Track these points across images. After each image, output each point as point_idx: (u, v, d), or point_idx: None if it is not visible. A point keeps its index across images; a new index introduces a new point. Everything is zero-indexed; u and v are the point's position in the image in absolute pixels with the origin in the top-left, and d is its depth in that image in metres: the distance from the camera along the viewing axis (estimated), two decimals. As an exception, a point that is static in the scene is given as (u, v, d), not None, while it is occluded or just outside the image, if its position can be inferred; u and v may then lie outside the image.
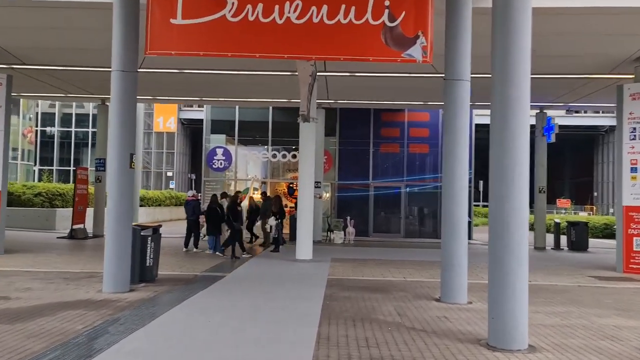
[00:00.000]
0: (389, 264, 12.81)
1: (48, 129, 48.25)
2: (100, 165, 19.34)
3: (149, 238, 9.23)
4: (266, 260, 13.16)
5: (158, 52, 8.31)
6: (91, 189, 20.72)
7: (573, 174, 53.65)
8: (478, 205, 45.04)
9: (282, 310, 7.31)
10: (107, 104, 19.46)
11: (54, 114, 48.17)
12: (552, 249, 18.11)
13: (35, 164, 41.90)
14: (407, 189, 22.40)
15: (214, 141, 23.69)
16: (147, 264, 9.20)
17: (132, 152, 8.44)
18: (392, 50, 8.15)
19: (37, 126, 47.54)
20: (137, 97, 17.89)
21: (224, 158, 22.88)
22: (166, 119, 46.09)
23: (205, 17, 8.15)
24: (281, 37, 8.14)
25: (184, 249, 14.75)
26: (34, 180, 34.00)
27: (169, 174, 46.71)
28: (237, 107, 23.17)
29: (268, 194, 19.01)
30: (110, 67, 13.82)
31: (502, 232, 5.47)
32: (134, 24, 8.40)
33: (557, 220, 18.73)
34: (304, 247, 12.74)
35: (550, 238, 18.74)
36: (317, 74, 13.23)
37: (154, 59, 12.78)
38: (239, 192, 15.86)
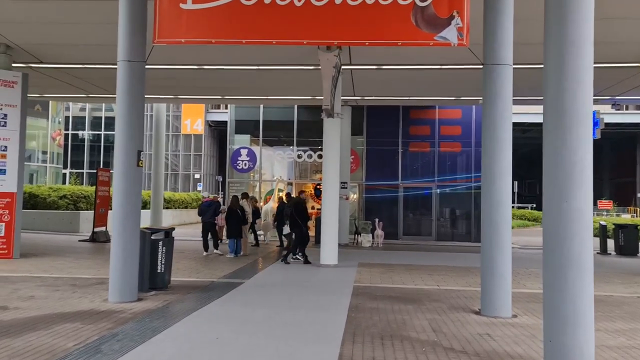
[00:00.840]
0: (420, 270, 11.89)
1: (80, 132, 48.75)
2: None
3: (160, 242, 8.57)
4: (289, 265, 12.39)
5: (167, 40, 7.64)
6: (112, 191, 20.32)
7: (613, 174, 51.33)
8: (512, 207, 43.56)
9: (301, 323, 6.52)
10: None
11: (85, 117, 48.64)
12: (597, 253, 16.82)
13: (64, 167, 42.26)
14: (439, 190, 21.36)
15: (238, 142, 23.10)
16: (159, 270, 8.54)
17: (139, 149, 7.78)
18: (423, 33, 7.28)
19: (67, 129, 48.07)
20: (157, 96, 17.61)
21: (248, 159, 22.26)
22: (193, 121, 45.96)
23: (217, 1, 7.43)
24: (300, 20, 7.36)
25: (204, 253, 14.12)
26: (63, 183, 34.17)
27: (197, 176, 46.56)
28: (261, 106, 22.54)
29: (293, 195, 18.30)
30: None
31: (561, 237, 4.54)
32: (140, 10, 7.75)
33: (603, 223, 17.43)
34: (329, 251, 11.93)
35: (595, 242, 17.41)
36: (342, 67, 12.43)
37: (171, 53, 12.27)
38: (246, 193, 15.16)
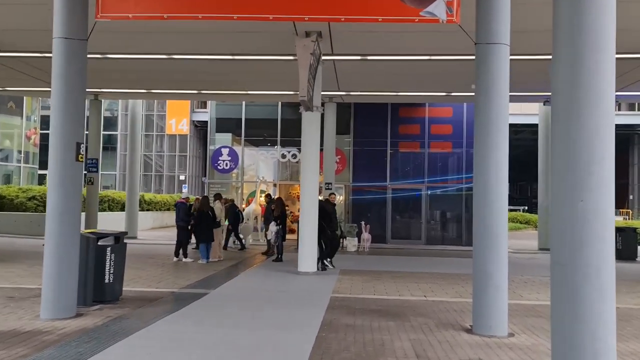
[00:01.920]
0: (407, 278, 10.89)
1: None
2: (93, 165, 17.85)
3: (109, 248, 7.50)
4: (264, 271, 11.36)
5: (111, 15, 6.63)
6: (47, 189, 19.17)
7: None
8: (518, 210, 42.66)
9: (258, 349, 5.48)
10: (101, 98, 17.99)
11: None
12: None
13: (41, 168, 40.92)
14: (429, 192, 20.41)
15: (219, 141, 22.04)
16: (106, 281, 7.47)
17: (79, 141, 6.72)
18: (408, 8, 6.33)
19: (46, 129, 46.70)
20: (129, 90, 16.52)
21: (229, 159, 21.19)
22: (179, 121, 44.75)
23: (169, -30, 6.42)
24: (264, -8, 6.36)
25: (174, 259, 13.05)
26: (38, 185, 32.94)
27: (182, 177, 45.30)
28: (243, 103, 21.51)
29: (276, 197, 17.28)
30: (96, 53, 12.43)
31: (575, 245, 3.55)
32: (80, -20, 6.69)
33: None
34: (307, 257, 10.90)
35: None
36: (323, 57, 11.43)
37: (137, 40, 11.23)
38: (219, 194, 14.12)
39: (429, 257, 15.40)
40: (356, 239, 17.05)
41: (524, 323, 6.86)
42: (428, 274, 11.58)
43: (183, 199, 13.88)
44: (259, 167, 22.39)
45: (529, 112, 30.00)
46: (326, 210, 11.77)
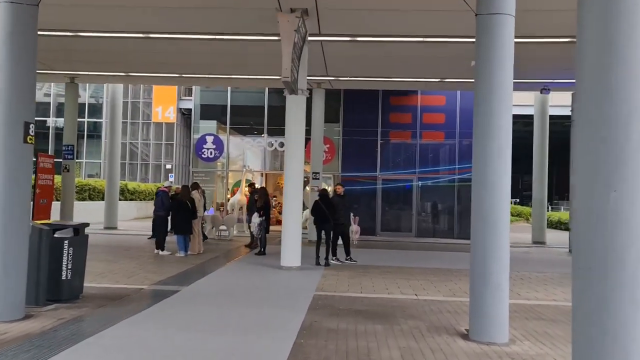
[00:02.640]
0: (396, 273, 10.23)
1: (47, 119, 46.11)
2: (69, 152, 16.99)
3: (66, 241, 6.74)
4: (244, 266, 10.64)
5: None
6: (58, 179, 18.30)
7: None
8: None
9: (228, 357, 4.78)
10: (77, 81, 17.09)
11: (49, 103, 46.07)
12: None
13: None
14: (420, 183, 19.76)
15: (204, 129, 21.25)
16: (63, 277, 6.71)
17: (28, 121, 5.93)
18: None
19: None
20: (105, 73, 15.62)
21: (214, 147, 20.42)
22: (165, 108, 43.70)
23: None
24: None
25: (155, 251, 12.31)
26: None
27: (168, 166, 44.33)
28: (228, 89, 20.69)
29: (261, 187, 16.56)
30: (67, 30, 11.58)
31: (607, 246, 2.86)
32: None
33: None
34: (290, 251, 10.19)
35: None
36: (310, 38, 10.67)
37: (108, 17, 10.39)
38: (196, 183, 13.32)
39: (420, 250, 14.77)
40: (344, 231, 16.35)
41: (525, 327, 6.22)
42: (419, 269, 10.94)
43: (165, 187, 13.10)
44: (246, 156, 21.60)
45: (521, 103, 29.34)
46: (330, 202, 11.17)
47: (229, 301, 7.18)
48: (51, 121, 45.94)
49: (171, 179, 41.62)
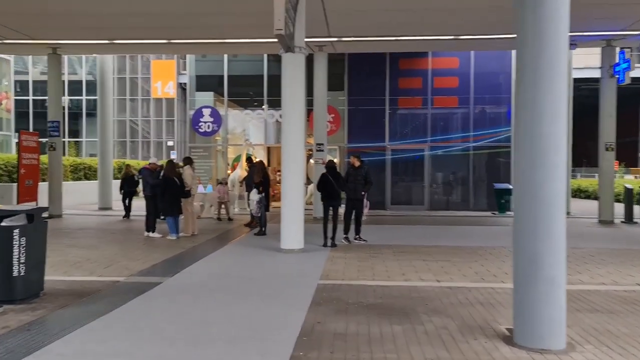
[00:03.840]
0: (411, 253, 9.06)
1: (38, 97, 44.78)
2: (54, 129, 15.79)
3: (17, 230, 5.58)
4: (240, 249, 9.49)
5: None
6: (44, 158, 17.19)
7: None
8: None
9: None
10: (59, 52, 15.78)
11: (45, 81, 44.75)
12: (622, 222, 14.15)
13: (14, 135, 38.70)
14: (432, 152, 18.47)
15: (200, 102, 19.97)
16: (15, 273, 5.58)
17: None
18: None
19: (27, 95, 44.21)
20: (88, 41, 14.28)
21: (212, 120, 19.17)
22: (164, 83, 42.19)
23: None
24: None
25: (145, 234, 11.22)
26: (12, 153, 30.90)
27: (170, 143, 43.15)
28: (225, 58, 19.33)
29: (259, 161, 15.34)
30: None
31: None
32: None
33: (629, 186, 14.63)
34: (291, 232, 9.01)
35: (619, 208, 14.75)
36: (308, -12, 9.29)
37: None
38: (188, 158, 12.07)
39: (434, 225, 13.57)
40: (352, 206, 15.17)
41: (580, 323, 5.02)
42: (436, 247, 9.76)
43: (150, 164, 11.91)
44: (247, 129, 20.33)
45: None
46: (338, 175, 10.03)
47: (216, 296, 6.03)
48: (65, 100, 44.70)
49: (173, 156, 40.51)
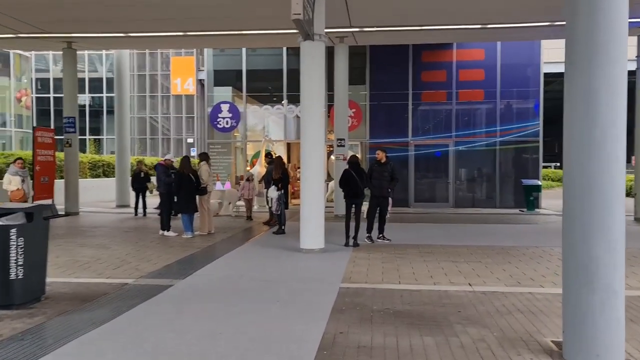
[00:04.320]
0: (439, 254, 8.48)
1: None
2: (70, 125, 15.57)
3: (14, 230, 5.19)
4: (258, 249, 9.02)
5: None
6: (60, 155, 17.01)
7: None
8: (549, 167, 39.67)
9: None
10: (75, 47, 15.54)
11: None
12: (636, 219, 13.40)
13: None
14: (457, 148, 17.79)
15: (218, 97, 19.63)
16: (13, 276, 5.19)
17: None
18: None
19: (47, 92, 44.50)
20: (106, 34, 13.95)
21: (230, 115, 18.80)
22: (184, 80, 42.09)
23: None
24: None
25: (160, 232, 10.86)
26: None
27: (190, 140, 43.03)
28: (243, 52, 18.91)
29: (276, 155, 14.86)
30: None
31: None
32: None
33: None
34: (311, 231, 8.51)
35: (629, 204, 13.93)
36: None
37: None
38: (205, 154, 11.60)
39: (460, 223, 12.94)
40: (374, 203, 14.61)
41: (637, 336, 4.41)
42: (465, 247, 9.16)
43: (165, 160, 11.51)
44: (266, 125, 19.88)
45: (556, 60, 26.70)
46: (361, 171, 9.44)
47: (228, 303, 5.55)
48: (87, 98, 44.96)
49: (193, 153, 40.40)
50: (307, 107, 8.65)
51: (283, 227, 10.78)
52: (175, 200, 10.37)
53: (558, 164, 40.64)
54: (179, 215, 10.55)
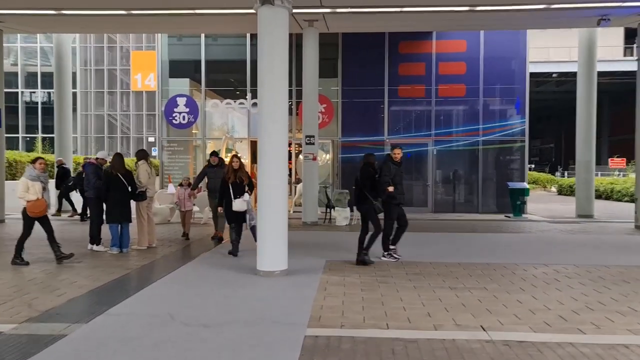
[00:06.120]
0: (430, 275, 6.79)
1: (21, 91, 42.05)
2: (-6, 119, 13.33)
3: None
4: (205, 271, 7.12)
5: None
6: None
7: (612, 130, 46.95)
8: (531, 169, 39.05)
9: None
10: (1, 28, 13.33)
11: (17, 72, 41.89)
12: (637, 226, 12.10)
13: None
14: (436, 147, 16.27)
15: (174, 90, 17.64)
16: None
17: None
18: None
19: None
20: (33, 11, 11.61)
21: (187, 110, 16.91)
22: (145, 75, 39.61)
23: None
24: None
25: (89, 247, 8.84)
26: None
27: (151, 139, 40.57)
28: (202, 40, 16.96)
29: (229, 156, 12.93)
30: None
31: None
32: None
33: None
34: (271, 250, 6.67)
35: (629, 209, 12.63)
36: None
37: None
38: (143, 151, 9.57)
39: (444, 232, 11.34)
40: (348, 209, 12.91)
41: None
42: (459, 265, 7.50)
43: (97, 158, 9.48)
44: (225, 120, 17.96)
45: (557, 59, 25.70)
46: (374, 173, 7.91)
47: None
48: (39, 93, 42.01)
49: (154, 152, 37.96)
50: (266, 95, 6.81)
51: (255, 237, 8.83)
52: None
53: (532, 166, 39.94)
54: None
